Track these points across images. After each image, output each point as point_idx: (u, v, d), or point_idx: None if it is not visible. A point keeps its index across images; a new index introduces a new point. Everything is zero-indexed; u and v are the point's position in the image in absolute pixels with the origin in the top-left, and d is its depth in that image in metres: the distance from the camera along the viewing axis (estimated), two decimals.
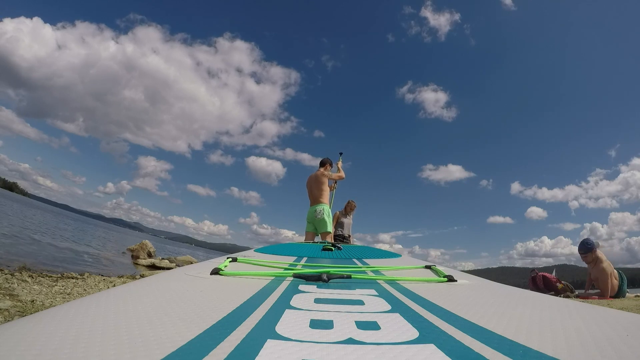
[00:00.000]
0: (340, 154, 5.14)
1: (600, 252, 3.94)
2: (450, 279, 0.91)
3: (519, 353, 0.39)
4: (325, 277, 0.80)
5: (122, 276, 4.46)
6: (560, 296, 3.66)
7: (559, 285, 4.08)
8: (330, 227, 4.35)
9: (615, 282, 3.80)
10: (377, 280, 0.90)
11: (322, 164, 4.55)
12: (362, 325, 0.48)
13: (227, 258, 1.19)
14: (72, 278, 3.54)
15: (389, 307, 0.60)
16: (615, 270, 3.86)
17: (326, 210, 4.36)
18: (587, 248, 3.97)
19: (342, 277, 0.85)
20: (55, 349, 0.38)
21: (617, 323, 0.51)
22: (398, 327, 0.48)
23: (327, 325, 0.48)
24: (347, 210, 6.00)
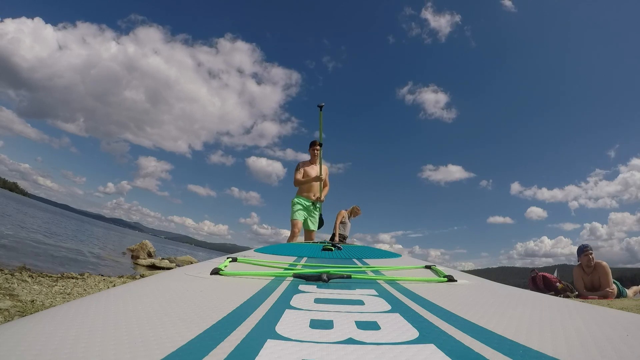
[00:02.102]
0: (320, 107, 3.92)
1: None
2: (450, 279, 0.91)
3: (519, 353, 0.39)
4: (325, 277, 0.80)
5: (122, 276, 4.46)
6: (560, 296, 3.66)
7: (559, 285, 4.08)
8: (307, 225, 4.06)
9: (614, 287, 3.82)
10: (377, 280, 0.90)
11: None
12: (362, 325, 0.48)
13: (227, 258, 1.19)
14: (72, 278, 3.53)
15: (389, 307, 0.60)
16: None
17: (293, 201, 4.09)
18: (587, 249, 3.96)
19: (342, 277, 0.85)
20: (55, 349, 0.38)
21: (617, 323, 0.51)
22: (398, 327, 0.48)
23: (327, 325, 0.48)
24: (352, 214, 5.99)
